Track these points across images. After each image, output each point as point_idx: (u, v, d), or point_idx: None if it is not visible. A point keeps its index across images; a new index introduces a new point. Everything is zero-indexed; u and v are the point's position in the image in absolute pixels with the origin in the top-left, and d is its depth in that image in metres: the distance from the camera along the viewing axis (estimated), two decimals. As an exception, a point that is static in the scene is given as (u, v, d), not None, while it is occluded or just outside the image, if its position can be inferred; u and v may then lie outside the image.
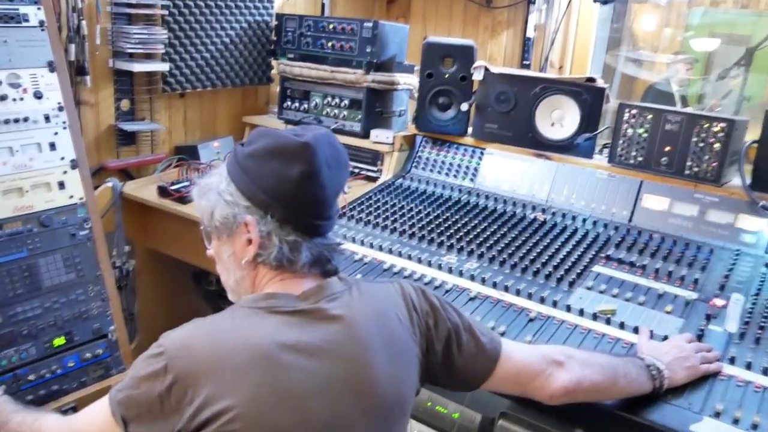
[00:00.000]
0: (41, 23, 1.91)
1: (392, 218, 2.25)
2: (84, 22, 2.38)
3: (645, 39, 2.95)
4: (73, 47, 2.37)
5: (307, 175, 1.17)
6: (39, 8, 1.90)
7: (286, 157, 1.17)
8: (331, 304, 1.20)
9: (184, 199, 2.42)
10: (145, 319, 2.83)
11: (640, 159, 2.15)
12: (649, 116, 2.12)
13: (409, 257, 2.02)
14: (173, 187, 2.47)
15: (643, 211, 2.12)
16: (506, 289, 1.82)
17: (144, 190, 2.59)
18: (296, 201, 1.18)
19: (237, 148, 1.26)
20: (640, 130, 2.14)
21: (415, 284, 1.36)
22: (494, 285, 1.84)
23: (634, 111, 2.15)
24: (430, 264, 1.97)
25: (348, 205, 2.36)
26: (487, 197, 2.34)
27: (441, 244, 2.08)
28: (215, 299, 2.90)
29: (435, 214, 2.25)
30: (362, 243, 2.12)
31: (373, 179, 2.63)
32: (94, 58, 2.49)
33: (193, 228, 1.31)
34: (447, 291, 1.85)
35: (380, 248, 2.09)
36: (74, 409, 1.84)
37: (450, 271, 1.93)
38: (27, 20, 1.88)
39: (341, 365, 1.16)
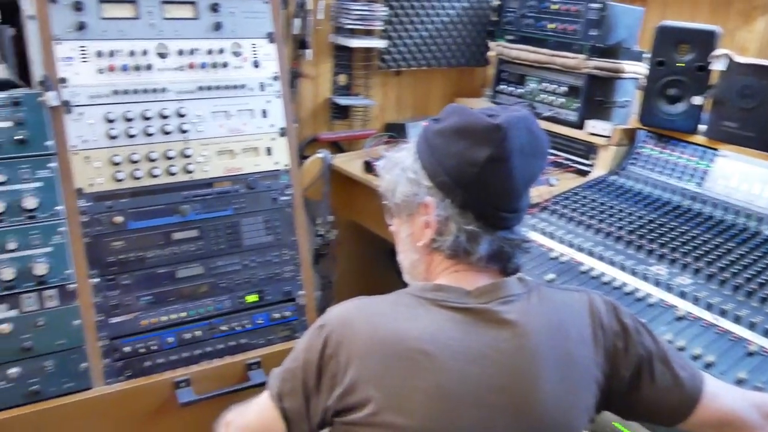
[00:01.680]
0: (265, -4, 2.00)
1: (599, 217, 2.05)
2: (309, -2, 2.47)
3: None
4: (297, 21, 2.47)
5: (494, 160, 1.05)
6: (265, -18, 1.99)
7: (474, 138, 1.06)
8: (503, 307, 1.08)
9: (386, 176, 2.42)
10: (342, 288, 2.91)
11: None
12: None
13: (612, 262, 1.82)
14: (378, 163, 2.48)
15: None
16: (723, 313, 1.56)
17: (352, 163, 2.65)
18: (479, 187, 1.08)
19: (429, 123, 1.18)
20: None
21: (607, 299, 1.19)
22: (708, 307, 1.59)
23: None
24: (634, 273, 1.76)
25: (552, 199, 2.20)
26: (714, 205, 2.04)
27: (651, 252, 1.84)
28: (409, 278, 2.90)
29: (649, 218, 2.01)
30: (561, 240, 1.96)
31: (584, 173, 2.43)
32: (317, 33, 2.58)
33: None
34: (650, 305, 1.64)
35: (580, 248, 1.91)
36: (258, 364, 1.94)
37: (657, 284, 1.71)
38: (253, -7, 1.98)
39: (503, 377, 1.04)
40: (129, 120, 1.80)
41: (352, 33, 2.65)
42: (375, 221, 2.67)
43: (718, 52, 2.10)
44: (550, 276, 1.81)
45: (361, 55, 2.74)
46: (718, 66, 2.10)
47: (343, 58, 2.72)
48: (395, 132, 2.81)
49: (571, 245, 1.94)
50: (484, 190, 1.08)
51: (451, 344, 1.03)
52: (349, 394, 1.03)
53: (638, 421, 1.26)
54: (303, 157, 2.64)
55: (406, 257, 1.23)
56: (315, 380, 1.08)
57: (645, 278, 1.74)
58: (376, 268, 3.04)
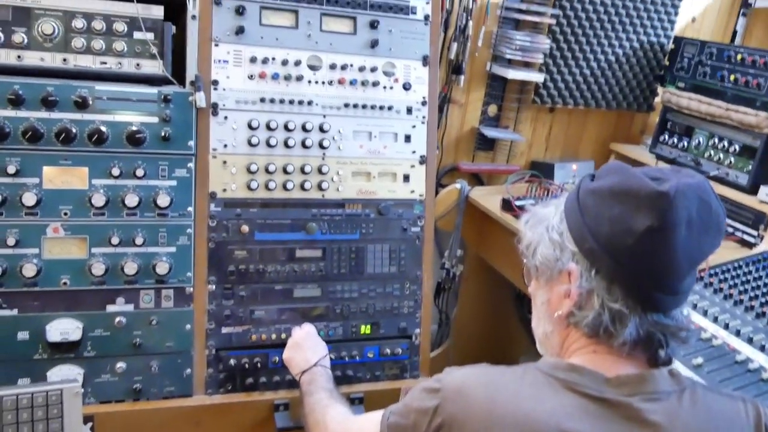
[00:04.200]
0: (426, 18, 1.92)
1: (763, 299, 1.79)
2: (471, 23, 2.39)
3: None
4: (455, 46, 2.40)
5: (655, 232, 0.91)
6: (427, 2, 1.92)
7: (634, 204, 0.93)
8: (647, 405, 0.93)
9: (524, 218, 2.28)
10: (460, 325, 2.79)
11: None
12: None
13: (776, 358, 1.57)
14: (517, 203, 2.35)
15: None
16: None
17: (489, 198, 2.52)
18: (633, 261, 0.94)
19: (583, 180, 1.06)
20: None
21: None
22: None
23: None
24: (805, 375, 1.51)
25: (709, 269, 1.96)
26: None
27: (827, 353, 1.57)
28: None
29: (827, 312, 1.73)
30: (715, 320, 1.73)
31: (750, 245, 2.17)
32: (473, 60, 2.50)
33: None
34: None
35: (737, 333, 1.67)
36: (361, 400, 1.85)
37: (833, 393, 1.45)
38: (414, 13, 1.91)
39: None
40: (271, 129, 1.78)
41: (510, 63, 2.54)
42: (505, 263, 2.53)
43: None
44: (698, 360, 1.58)
45: (515, 87, 2.62)
46: None
47: (497, 88, 2.62)
48: (540, 171, 2.66)
49: (726, 327, 1.70)
50: (638, 264, 0.94)
51: None
52: None
53: None
54: (440, 185, 2.55)
55: (539, 326, 1.13)
56: None
57: (818, 385, 1.48)
58: (500, 311, 2.90)
